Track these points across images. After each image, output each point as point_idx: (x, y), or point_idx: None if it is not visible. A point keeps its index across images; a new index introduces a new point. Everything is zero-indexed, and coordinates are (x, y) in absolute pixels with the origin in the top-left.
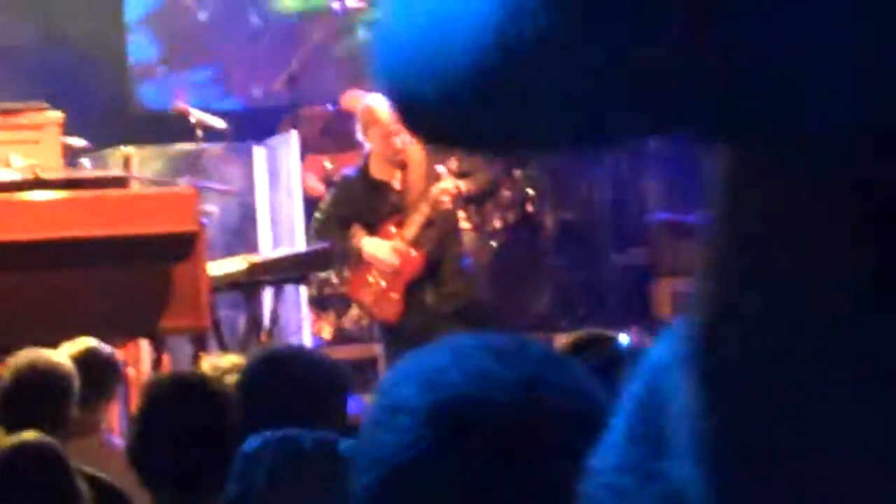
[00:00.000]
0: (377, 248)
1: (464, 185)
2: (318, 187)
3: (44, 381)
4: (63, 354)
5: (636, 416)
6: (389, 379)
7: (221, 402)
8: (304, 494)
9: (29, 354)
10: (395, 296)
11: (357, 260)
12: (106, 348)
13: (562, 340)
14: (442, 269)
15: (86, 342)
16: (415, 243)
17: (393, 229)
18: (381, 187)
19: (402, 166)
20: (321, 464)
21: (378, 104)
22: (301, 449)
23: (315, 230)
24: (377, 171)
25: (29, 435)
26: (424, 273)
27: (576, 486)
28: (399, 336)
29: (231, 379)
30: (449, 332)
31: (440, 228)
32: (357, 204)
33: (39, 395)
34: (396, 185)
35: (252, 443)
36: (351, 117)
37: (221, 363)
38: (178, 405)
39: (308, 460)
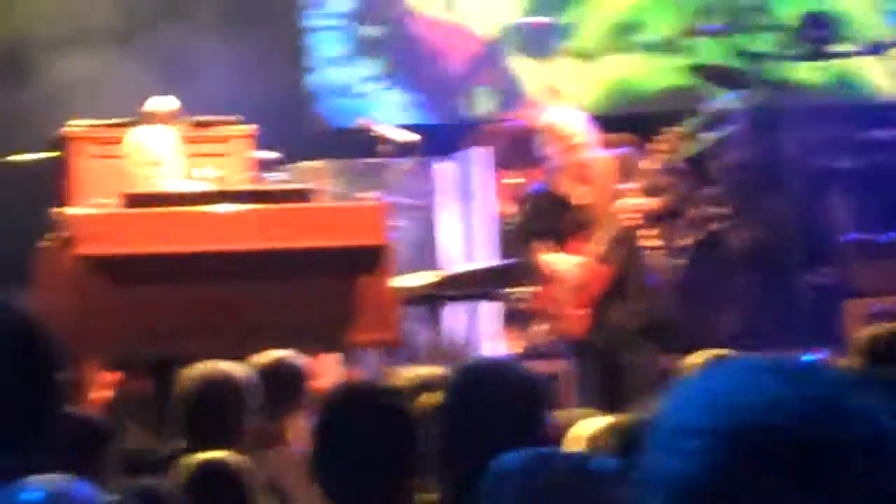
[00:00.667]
0: (563, 263)
1: (651, 203)
2: (505, 206)
3: (218, 393)
4: (241, 366)
5: None
6: (675, 400)
7: (401, 415)
8: None
9: (204, 367)
10: (581, 312)
11: (544, 275)
12: (294, 360)
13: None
14: (628, 287)
15: (273, 354)
16: (601, 260)
17: (579, 245)
18: (567, 203)
19: (588, 182)
20: (573, 482)
21: (561, 119)
22: (553, 467)
23: (503, 245)
24: (563, 187)
25: (211, 454)
26: (611, 290)
27: None
28: (585, 352)
29: (429, 393)
30: (635, 350)
31: (626, 245)
32: (543, 219)
33: (214, 407)
34: (581, 200)
35: (503, 460)
36: (534, 133)
37: (415, 376)
38: (355, 416)
39: (560, 478)
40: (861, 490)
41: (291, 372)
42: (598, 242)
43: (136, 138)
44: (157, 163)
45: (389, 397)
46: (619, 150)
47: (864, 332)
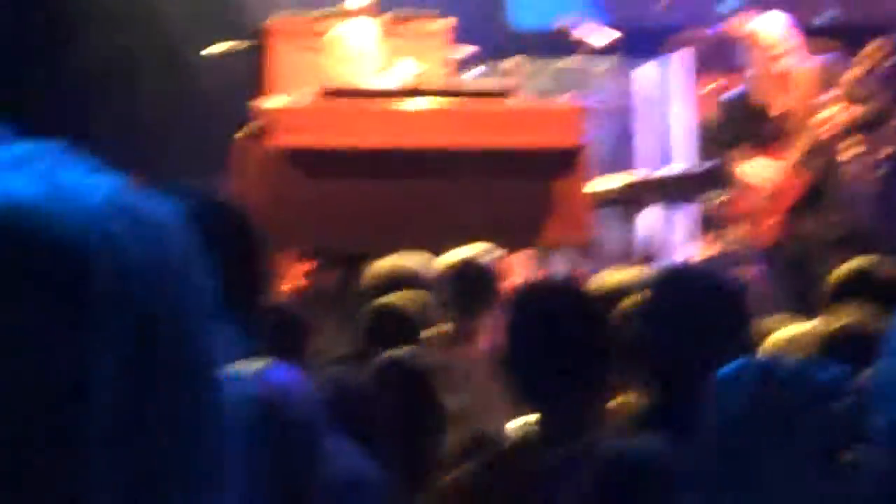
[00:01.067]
0: (759, 171)
1: (853, 112)
2: (703, 111)
3: (404, 288)
4: (429, 262)
5: None
6: None
7: (593, 315)
8: (782, 423)
9: (391, 262)
10: (775, 220)
11: (739, 182)
12: (484, 258)
13: None
14: (824, 197)
15: (464, 252)
16: (797, 168)
17: (777, 153)
18: (764, 111)
19: (789, 90)
20: (800, 393)
21: (764, 27)
22: (780, 376)
23: (697, 151)
24: (763, 94)
25: (396, 350)
26: (806, 199)
27: None
28: (777, 261)
29: (626, 295)
30: (828, 260)
31: (824, 155)
32: (739, 127)
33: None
34: (780, 109)
35: (729, 368)
36: (735, 40)
37: (614, 278)
38: (546, 315)
39: (787, 388)
40: None
41: (482, 270)
42: (795, 151)
43: (337, 32)
44: (356, 57)
45: (581, 296)
46: (823, 58)
47: None
